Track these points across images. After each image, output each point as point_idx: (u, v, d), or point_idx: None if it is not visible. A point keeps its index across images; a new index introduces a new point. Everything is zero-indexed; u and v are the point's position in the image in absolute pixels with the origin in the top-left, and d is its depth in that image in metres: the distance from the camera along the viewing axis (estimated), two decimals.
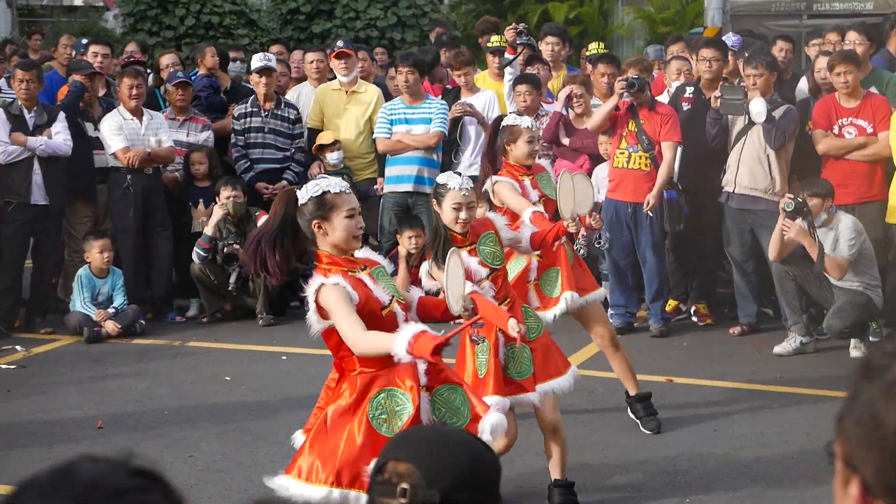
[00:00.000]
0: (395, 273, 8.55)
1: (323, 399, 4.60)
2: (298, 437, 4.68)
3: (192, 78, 10.90)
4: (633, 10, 22.70)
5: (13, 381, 8.30)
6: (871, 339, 8.58)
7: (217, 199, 9.93)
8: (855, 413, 1.47)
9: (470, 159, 10.12)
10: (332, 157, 10.29)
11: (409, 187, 10.03)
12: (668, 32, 18.63)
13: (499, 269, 5.51)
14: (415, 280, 8.89)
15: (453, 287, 4.40)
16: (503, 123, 6.47)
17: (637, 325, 9.43)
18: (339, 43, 11.01)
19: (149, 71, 11.55)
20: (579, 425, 6.92)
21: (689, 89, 9.46)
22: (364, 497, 4.07)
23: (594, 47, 11.10)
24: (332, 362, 4.52)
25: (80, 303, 9.54)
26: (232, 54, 11.73)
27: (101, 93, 10.64)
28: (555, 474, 5.75)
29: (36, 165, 9.46)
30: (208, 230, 9.86)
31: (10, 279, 9.66)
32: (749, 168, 9.00)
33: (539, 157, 7.18)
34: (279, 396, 7.80)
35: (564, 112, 9.81)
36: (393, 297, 4.44)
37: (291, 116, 10.50)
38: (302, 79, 11.36)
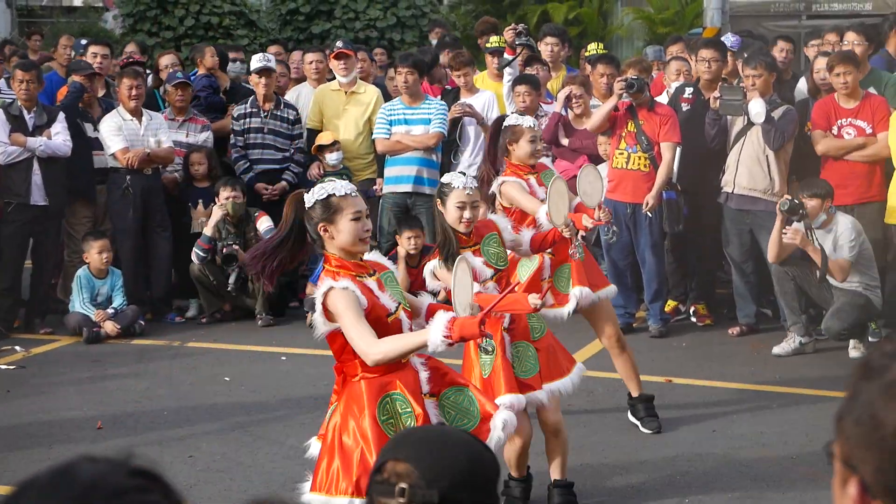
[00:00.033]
0: None
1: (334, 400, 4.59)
2: (314, 444, 4.63)
3: (192, 78, 10.90)
4: (633, 10, 22.71)
5: (12, 381, 8.30)
6: (870, 339, 8.58)
7: (216, 200, 9.93)
8: (854, 413, 1.47)
9: (469, 160, 10.13)
10: (331, 157, 10.29)
11: (408, 188, 10.03)
12: (667, 33, 18.64)
13: (503, 269, 5.51)
14: (414, 280, 8.90)
15: (461, 295, 4.38)
16: (505, 123, 6.47)
17: (636, 326, 9.43)
18: (339, 43, 11.01)
19: (148, 71, 11.55)
20: (579, 426, 6.92)
21: (689, 90, 9.47)
22: None
23: (593, 48, 11.11)
24: (332, 366, 4.50)
25: (79, 303, 9.54)
26: (231, 55, 11.73)
27: (101, 93, 10.64)
28: (555, 475, 5.76)
29: (35, 166, 9.46)
30: (207, 231, 9.86)
31: (10, 279, 9.67)
32: (748, 169, 9.00)
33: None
34: (278, 397, 7.80)
35: (564, 112, 9.82)
36: (399, 304, 4.42)
37: (291, 117, 10.51)
38: (301, 79, 11.36)
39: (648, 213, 8.95)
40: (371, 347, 4.14)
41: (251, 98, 10.50)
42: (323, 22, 17.68)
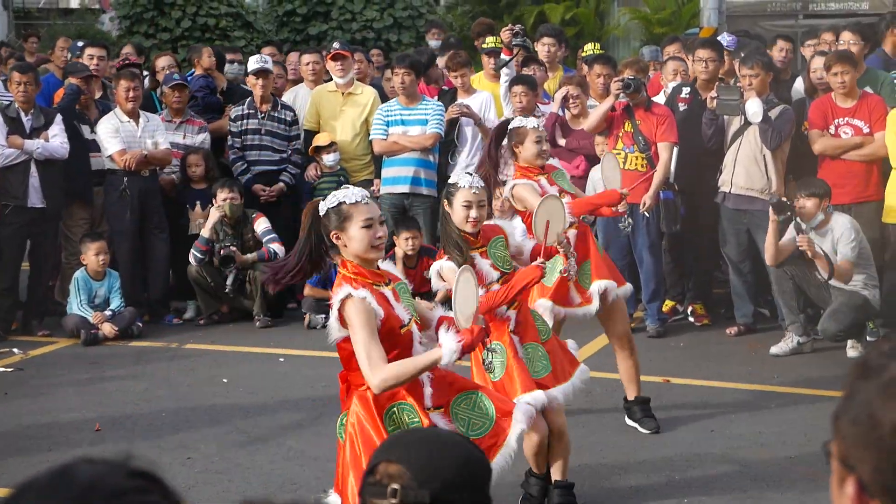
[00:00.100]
0: None
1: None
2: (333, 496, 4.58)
3: (189, 79, 10.90)
4: (629, 10, 22.72)
5: (11, 383, 8.29)
6: (868, 338, 8.59)
7: (214, 202, 9.93)
8: (851, 413, 1.47)
9: (466, 160, 10.13)
10: (328, 158, 10.29)
11: (405, 188, 10.04)
12: (664, 33, 18.65)
13: (509, 272, 5.50)
14: (412, 281, 8.88)
15: (463, 305, 4.36)
16: (510, 126, 6.46)
17: (634, 326, 9.40)
18: (336, 45, 11.02)
19: (145, 73, 11.54)
20: (578, 426, 6.91)
21: (686, 90, 9.47)
22: None
23: (590, 48, 11.11)
24: (338, 374, 4.49)
25: (76, 305, 9.54)
26: (229, 56, 11.72)
27: (98, 95, 10.64)
28: (555, 475, 5.76)
29: (33, 168, 9.45)
30: (205, 232, 9.86)
31: (8, 281, 9.66)
32: (745, 168, 9.01)
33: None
34: (276, 398, 7.80)
35: (561, 113, 9.82)
36: (412, 316, 4.41)
37: (288, 118, 10.50)
38: (298, 81, 11.35)
39: (646, 213, 8.96)
40: (376, 373, 4.13)
41: (248, 99, 10.49)
42: (320, 23, 17.69)
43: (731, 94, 8.87)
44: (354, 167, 10.54)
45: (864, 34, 9.64)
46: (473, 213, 5.32)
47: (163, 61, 11.32)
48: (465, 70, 10.36)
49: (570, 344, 5.94)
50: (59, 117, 9.63)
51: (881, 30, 10.08)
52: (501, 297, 5.34)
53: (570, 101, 9.76)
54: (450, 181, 5.52)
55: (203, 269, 9.85)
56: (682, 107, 9.38)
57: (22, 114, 9.51)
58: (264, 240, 9.95)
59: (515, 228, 5.81)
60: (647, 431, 6.92)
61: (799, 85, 9.85)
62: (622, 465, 6.43)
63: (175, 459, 6.54)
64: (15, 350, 9.14)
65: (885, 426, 1.42)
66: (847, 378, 1.51)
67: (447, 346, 4.14)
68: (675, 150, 9.05)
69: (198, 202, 10.25)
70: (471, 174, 5.52)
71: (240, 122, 10.42)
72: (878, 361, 1.48)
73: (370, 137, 10.28)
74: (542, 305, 6.48)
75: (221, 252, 9.82)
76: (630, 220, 8.37)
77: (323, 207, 4.38)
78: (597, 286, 6.64)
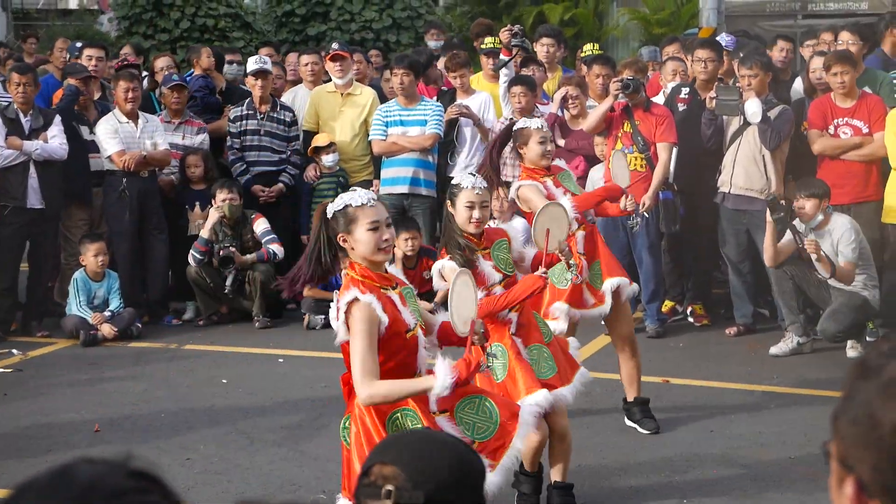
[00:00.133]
0: None
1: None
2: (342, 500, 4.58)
3: (188, 79, 10.90)
4: (628, 11, 22.72)
5: (10, 384, 8.29)
6: (867, 338, 8.59)
7: (213, 202, 9.93)
8: (851, 413, 1.47)
9: (465, 161, 10.13)
10: (327, 159, 10.29)
11: (404, 189, 10.04)
12: (662, 33, 18.66)
13: (511, 275, 5.50)
14: (411, 282, 8.88)
15: (460, 308, 4.36)
16: (514, 128, 6.46)
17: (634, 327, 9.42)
18: (334, 45, 11.01)
19: (144, 74, 11.55)
20: (578, 427, 6.90)
21: (685, 90, 9.47)
22: None
23: (589, 48, 11.11)
24: (340, 376, 4.48)
25: (76, 306, 9.53)
26: (228, 57, 11.72)
27: (96, 96, 10.64)
28: (555, 477, 5.75)
29: (32, 169, 9.45)
30: (204, 233, 9.85)
31: (7, 282, 9.66)
32: (744, 169, 9.01)
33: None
34: (276, 399, 7.80)
35: (560, 113, 9.82)
36: (417, 321, 4.41)
37: (287, 119, 10.50)
38: (297, 81, 11.35)
39: (645, 213, 8.95)
40: (365, 387, 4.13)
41: (247, 100, 10.49)
42: (319, 24, 17.70)
43: (731, 95, 8.87)
44: (353, 168, 10.53)
45: (863, 34, 9.64)
46: (476, 213, 5.32)
47: (162, 62, 11.32)
48: (464, 70, 10.36)
49: (572, 343, 5.95)
50: (57, 118, 9.63)
51: (880, 30, 10.08)
52: (501, 304, 5.34)
53: (569, 101, 9.76)
54: (452, 182, 5.52)
55: (202, 269, 9.85)
56: (681, 107, 9.38)
57: (21, 115, 9.50)
58: (263, 240, 9.96)
59: (519, 233, 5.82)
60: (647, 432, 6.92)
61: (798, 85, 9.86)
62: (622, 466, 6.43)
63: (174, 460, 6.53)
64: (14, 351, 9.14)
65: (884, 426, 1.42)
66: (846, 378, 1.51)
67: (441, 378, 4.12)
68: (675, 150, 9.05)
69: (197, 203, 10.25)
70: (473, 175, 5.52)
71: (239, 123, 10.42)
72: (877, 361, 1.48)
73: (369, 138, 10.28)
74: (558, 309, 6.49)
75: (221, 253, 9.82)
76: (638, 218, 8.41)
77: (330, 210, 4.38)
78: (609, 284, 6.68)
